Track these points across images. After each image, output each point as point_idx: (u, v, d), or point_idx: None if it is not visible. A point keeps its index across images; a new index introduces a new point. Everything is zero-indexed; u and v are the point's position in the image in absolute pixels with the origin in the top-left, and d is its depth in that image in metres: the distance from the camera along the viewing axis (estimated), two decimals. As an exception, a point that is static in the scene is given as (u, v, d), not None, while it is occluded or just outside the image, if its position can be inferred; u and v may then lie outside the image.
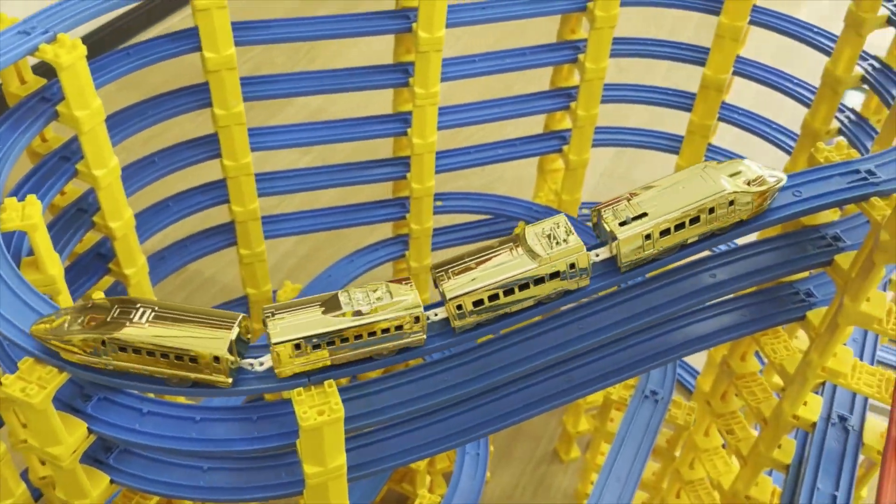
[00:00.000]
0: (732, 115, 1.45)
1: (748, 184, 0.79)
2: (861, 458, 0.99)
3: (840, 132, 1.29)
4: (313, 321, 0.69)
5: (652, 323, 0.89)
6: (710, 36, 1.36)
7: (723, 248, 0.88)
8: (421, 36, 1.24)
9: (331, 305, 0.70)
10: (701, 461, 1.27)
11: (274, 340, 0.69)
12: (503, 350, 0.85)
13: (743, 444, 1.13)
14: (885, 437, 0.89)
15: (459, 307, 0.72)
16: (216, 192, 1.36)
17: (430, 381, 0.83)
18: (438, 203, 1.53)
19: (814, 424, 1.00)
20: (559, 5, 1.34)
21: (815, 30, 1.30)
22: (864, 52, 1.19)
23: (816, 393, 1.03)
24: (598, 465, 1.29)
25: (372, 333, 0.70)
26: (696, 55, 1.41)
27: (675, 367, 1.28)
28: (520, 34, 2.89)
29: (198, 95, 1.24)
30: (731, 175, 0.80)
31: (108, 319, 0.70)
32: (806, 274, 0.99)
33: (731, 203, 0.78)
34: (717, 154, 1.51)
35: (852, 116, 1.29)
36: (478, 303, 0.72)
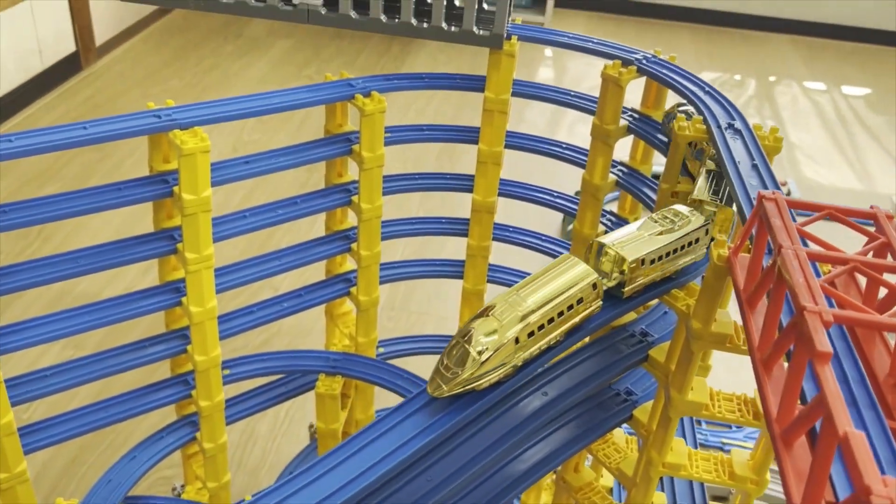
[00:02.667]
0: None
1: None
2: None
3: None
4: None
5: (497, 459, 0.85)
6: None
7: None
8: (185, 198, 1.14)
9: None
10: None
11: None
12: None
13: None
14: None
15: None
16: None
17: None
18: (226, 372, 1.40)
19: (665, 522, 0.99)
20: (323, 152, 1.32)
21: (565, 146, 1.39)
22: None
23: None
24: None
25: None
26: (462, 183, 1.45)
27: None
28: (278, 180, 2.85)
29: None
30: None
31: None
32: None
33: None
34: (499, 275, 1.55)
35: (614, 219, 1.38)
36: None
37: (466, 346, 0.72)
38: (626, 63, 1.22)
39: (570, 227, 2.65)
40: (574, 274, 0.78)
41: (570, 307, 0.78)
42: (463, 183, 1.45)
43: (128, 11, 3.96)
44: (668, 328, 0.98)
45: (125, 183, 1.16)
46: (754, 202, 0.88)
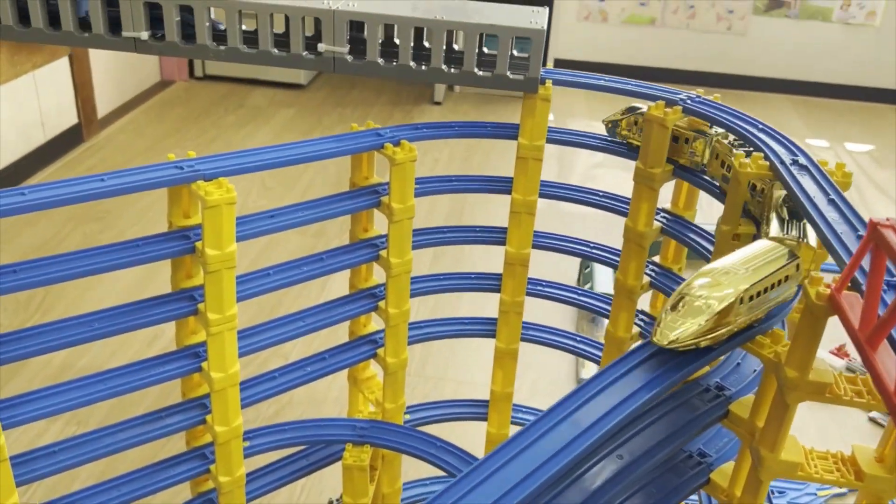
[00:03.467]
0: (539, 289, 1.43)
1: None
2: None
3: (651, 286, 1.30)
4: None
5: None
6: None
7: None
8: (209, 254, 1.06)
9: None
10: None
11: None
12: None
13: None
14: None
15: None
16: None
17: None
18: (246, 444, 1.29)
19: None
20: (351, 204, 1.25)
21: (602, 193, 1.33)
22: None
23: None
24: None
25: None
26: (494, 235, 1.38)
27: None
28: (284, 239, 2.78)
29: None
30: None
31: None
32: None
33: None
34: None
35: (658, 269, 1.31)
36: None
37: (700, 298, 0.73)
38: (670, 103, 1.16)
39: (589, 278, 2.59)
40: (777, 254, 0.78)
41: (774, 285, 0.77)
42: (495, 235, 1.38)
43: (129, 84, 3.96)
44: (744, 380, 0.90)
45: (145, 239, 1.08)
46: (841, 236, 0.81)
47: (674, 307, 0.75)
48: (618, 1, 4.60)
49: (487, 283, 1.43)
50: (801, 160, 0.97)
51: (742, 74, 4.73)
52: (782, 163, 0.96)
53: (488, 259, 2.44)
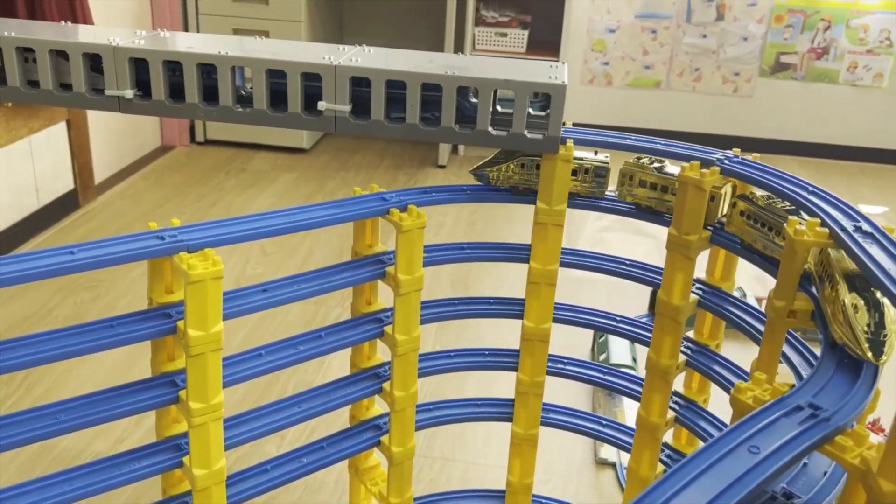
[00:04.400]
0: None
1: None
2: None
3: (677, 420, 1.18)
4: None
5: None
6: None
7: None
8: (192, 335, 0.94)
9: None
10: None
11: None
12: None
13: None
14: None
15: None
16: None
17: None
18: (233, 547, 1.14)
19: None
20: (354, 276, 1.13)
21: (629, 262, 1.21)
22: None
23: None
24: None
25: None
26: (510, 308, 1.26)
27: None
28: (282, 313, 2.64)
29: None
30: None
31: None
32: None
33: None
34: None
35: (682, 401, 1.19)
36: None
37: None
38: (705, 164, 1.05)
39: (604, 349, 2.44)
40: None
41: None
42: (512, 308, 1.25)
43: (128, 148, 3.89)
44: (814, 484, 0.76)
45: (119, 319, 0.96)
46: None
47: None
48: (622, 64, 4.58)
49: (503, 361, 1.30)
50: (865, 226, 0.86)
51: (749, 136, 4.67)
52: (844, 230, 0.84)
53: (496, 329, 2.30)
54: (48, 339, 0.91)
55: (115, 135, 3.73)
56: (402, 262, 1.11)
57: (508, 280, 2.78)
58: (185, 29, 4.03)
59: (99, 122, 3.52)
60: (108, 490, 1.00)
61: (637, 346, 2.22)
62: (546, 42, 4.09)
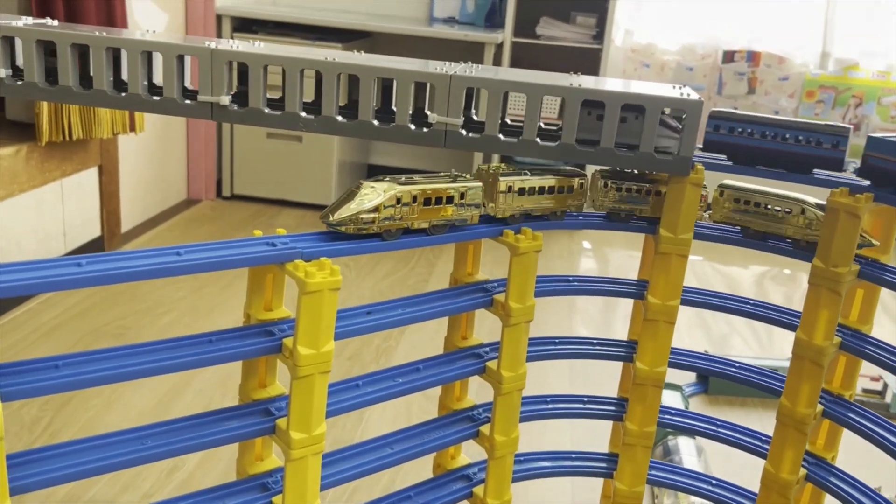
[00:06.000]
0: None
1: None
2: None
3: (825, 415, 1.06)
4: None
5: None
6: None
7: None
8: (301, 353, 0.83)
9: None
10: None
11: None
12: None
13: None
14: None
15: None
16: None
17: None
18: None
19: None
20: (460, 302, 1.03)
21: (752, 302, 1.12)
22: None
23: None
24: None
25: None
26: (617, 350, 1.16)
27: None
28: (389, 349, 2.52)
29: None
30: None
31: None
32: None
33: None
34: None
35: (828, 397, 1.07)
36: None
37: None
38: (855, 189, 0.97)
39: (673, 452, 2.30)
40: None
41: None
42: (621, 350, 1.15)
43: (155, 199, 3.83)
44: None
45: (218, 334, 0.86)
46: None
47: None
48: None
49: (607, 409, 1.19)
50: None
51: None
52: None
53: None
54: (144, 351, 0.80)
55: (142, 185, 3.68)
56: (514, 288, 1.01)
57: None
58: (219, 133, 4.05)
59: (128, 170, 3.47)
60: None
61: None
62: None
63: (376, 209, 0.91)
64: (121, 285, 3.12)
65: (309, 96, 1.08)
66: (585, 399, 1.20)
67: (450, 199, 0.97)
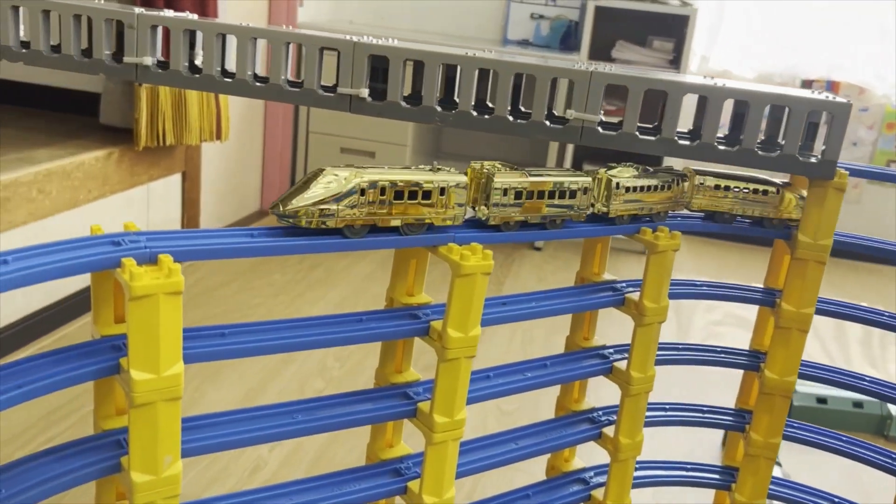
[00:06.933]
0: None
1: None
2: None
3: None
4: None
5: None
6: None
7: None
8: (451, 336, 0.84)
9: None
10: None
11: None
12: None
13: None
14: None
15: None
16: None
17: None
18: None
19: None
20: (593, 299, 1.03)
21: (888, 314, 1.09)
22: None
23: None
24: None
25: None
26: (742, 359, 1.13)
27: None
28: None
29: None
30: None
31: None
32: None
33: None
34: None
35: None
36: None
37: None
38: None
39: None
40: None
41: None
42: (748, 359, 1.12)
43: (230, 209, 3.91)
44: None
45: (368, 314, 0.86)
46: None
47: None
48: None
49: (727, 419, 1.16)
50: None
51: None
52: None
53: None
54: (302, 325, 0.81)
55: (220, 193, 3.76)
56: (650, 286, 1.00)
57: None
58: (294, 146, 4.14)
59: (208, 178, 3.55)
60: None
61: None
62: (654, 132, 4.06)
63: (336, 200, 0.78)
64: (195, 292, 3.19)
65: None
66: (705, 409, 1.18)
67: (427, 195, 0.84)
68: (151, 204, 3.16)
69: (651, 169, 1.05)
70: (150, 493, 0.68)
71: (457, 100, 1.07)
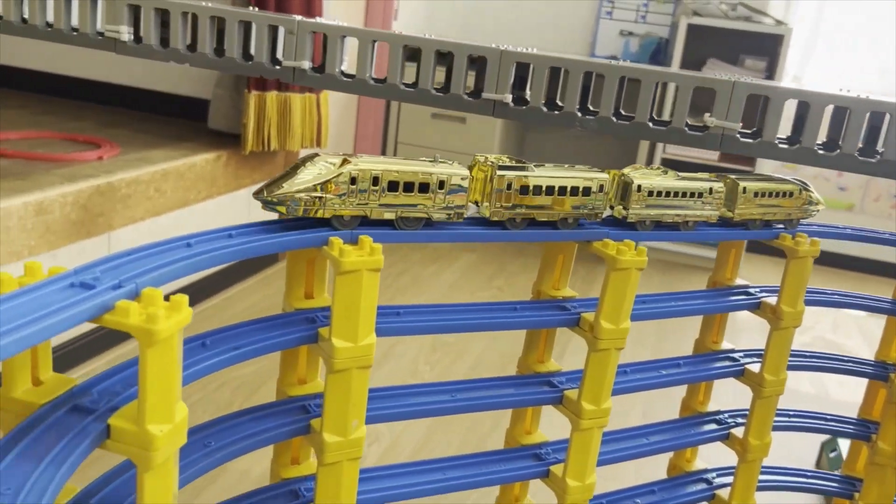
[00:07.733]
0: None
1: None
2: None
3: None
4: None
5: None
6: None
7: None
8: (604, 327, 0.88)
9: None
10: None
11: None
12: None
13: None
14: None
15: None
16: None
17: None
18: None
19: None
20: (722, 303, 1.06)
21: None
22: None
23: None
24: None
25: None
26: (878, 370, 1.14)
27: None
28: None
29: None
30: None
31: None
32: None
33: None
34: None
35: None
36: None
37: None
38: None
39: (837, 464, 2.21)
40: None
41: None
42: (867, 368, 1.13)
43: (320, 215, 4.03)
44: None
45: (522, 303, 0.92)
46: None
47: None
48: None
49: (846, 427, 1.17)
50: None
51: None
52: None
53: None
54: (462, 310, 0.87)
55: (314, 198, 3.88)
56: (788, 291, 1.03)
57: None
58: (384, 147, 4.22)
59: (306, 183, 3.67)
60: (470, 488, 0.93)
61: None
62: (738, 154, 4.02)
63: (324, 187, 0.72)
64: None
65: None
66: (829, 417, 1.19)
67: (424, 188, 0.79)
68: (253, 206, 3.28)
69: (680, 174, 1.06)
70: (338, 454, 0.74)
71: (591, 107, 1.12)
